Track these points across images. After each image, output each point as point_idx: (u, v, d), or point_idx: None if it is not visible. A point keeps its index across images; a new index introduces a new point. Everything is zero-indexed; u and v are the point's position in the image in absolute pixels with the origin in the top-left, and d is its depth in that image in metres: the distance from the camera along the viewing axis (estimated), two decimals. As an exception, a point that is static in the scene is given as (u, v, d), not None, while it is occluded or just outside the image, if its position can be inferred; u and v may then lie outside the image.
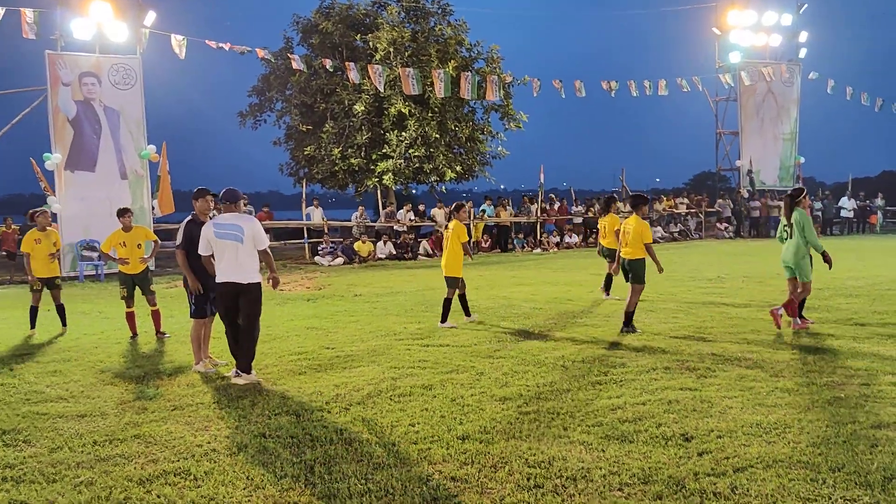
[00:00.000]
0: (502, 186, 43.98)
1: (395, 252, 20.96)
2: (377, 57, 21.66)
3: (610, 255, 11.12)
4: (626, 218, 9.03)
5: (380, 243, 21.16)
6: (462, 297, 9.65)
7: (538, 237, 23.70)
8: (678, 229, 26.90)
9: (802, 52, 29.35)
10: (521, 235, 23.61)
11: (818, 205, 28.26)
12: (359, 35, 22.78)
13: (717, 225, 28.00)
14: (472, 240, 22.86)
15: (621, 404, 5.50)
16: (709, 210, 28.40)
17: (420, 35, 22.92)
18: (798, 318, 8.43)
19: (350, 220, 22.58)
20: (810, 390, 5.71)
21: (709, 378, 6.22)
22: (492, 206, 23.74)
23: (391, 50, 21.76)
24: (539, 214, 23.91)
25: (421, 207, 23.52)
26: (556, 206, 24.96)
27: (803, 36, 29.01)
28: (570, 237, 24.43)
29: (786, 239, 8.52)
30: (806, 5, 29.01)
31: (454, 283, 9.38)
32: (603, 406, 5.47)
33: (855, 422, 4.88)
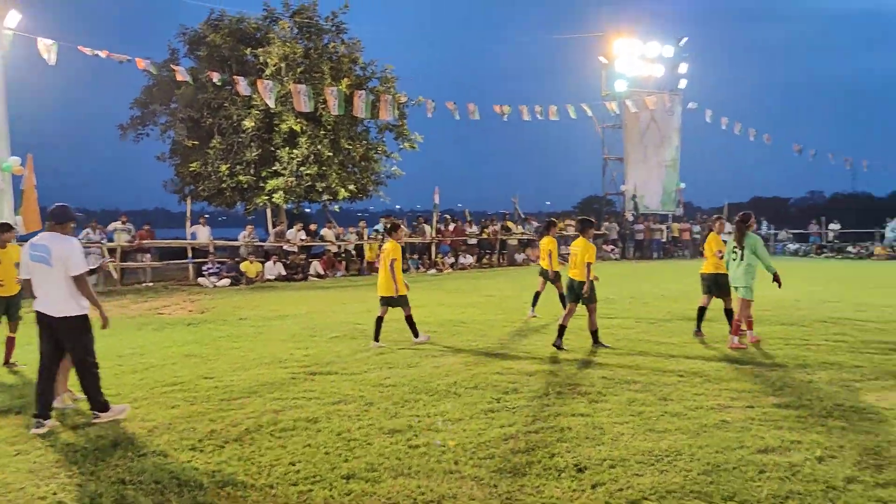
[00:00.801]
0: (398, 206, 43.87)
1: (285, 273, 20.26)
2: (267, 72, 21.02)
3: (545, 274, 11.58)
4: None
5: (269, 263, 20.41)
6: (380, 320, 9.36)
7: (433, 258, 23.60)
8: (567, 251, 27.50)
9: (683, 83, 30.92)
10: (415, 256, 23.43)
11: (696, 228, 29.70)
12: (249, 49, 22.05)
13: (604, 247, 28.85)
14: (366, 260, 22.49)
15: (514, 433, 5.32)
16: (596, 233, 29.23)
17: (313, 52, 22.43)
18: (736, 337, 8.80)
19: (238, 240, 21.67)
20: (698, 414, 5.74)
21: (600, 402, 6.16)
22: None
23: (283, 65, 21.18)
24: (434, 235, 23.84)
25: (313, 227, 22.89)
26: (451, 227, 24.97)
27: (683, 67, 30.57)
28: (465, 258, 24.48)
29: (734, 260, 8.98)
30: (686, 38, 30.64)
31: (403, 300, 9.27)
32: (495, 436, 5.27)
33: (742, 446, 4.89)
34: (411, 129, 23.96)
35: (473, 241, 25.14)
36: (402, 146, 24.01)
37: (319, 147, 21.64)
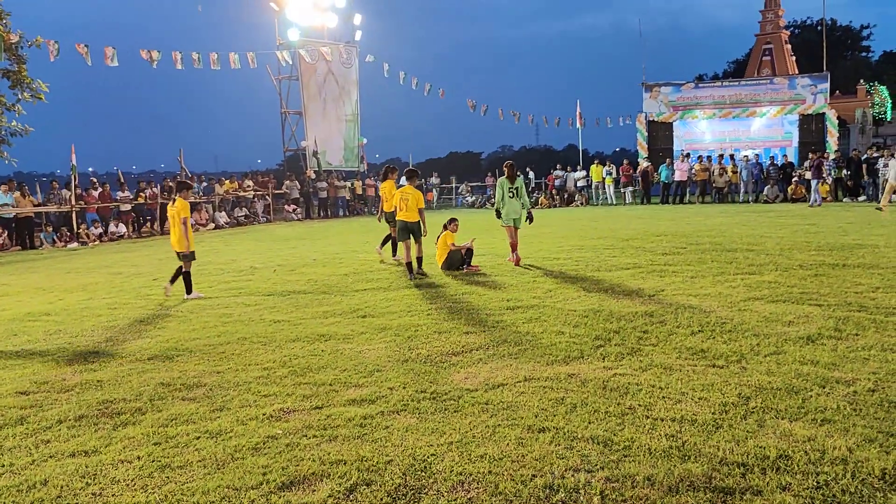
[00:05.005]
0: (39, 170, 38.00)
1: None
2: None
3: (390, 218, 11.90)
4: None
5: None
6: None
7: (75, 229, 20.13)
8: (244, 213, 25.54)
9: (358, 35, 30.19)
10: (49, 228, 19.77)
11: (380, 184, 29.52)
12: None
13: (286, 207, 27.39)
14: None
15: (-53, 507, 3.56)
16: (276, 192, 27.62)
17: None
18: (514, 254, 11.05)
19: None
20: (247, 429, 4.45)
21: (130, 426, 4.61)
22: (9, 194, 19.37)
23: None
24: (74, 202, 20.32)
25: None
26: (98, 192, 21.53)
27: (358, 19, 29.79)
28: (118, 227, 21.33)
29: (511, 198, 11.05)
30: (358, -11, 29.84)
31: (191, 256, 9.58)
32: (-89, 518, 3.47)
33: (266, 481, 3.66)
34: (34, 77, 19.96)
35: (127, 207, 22.01)
36: (21, 97, 19.90)
37: None
